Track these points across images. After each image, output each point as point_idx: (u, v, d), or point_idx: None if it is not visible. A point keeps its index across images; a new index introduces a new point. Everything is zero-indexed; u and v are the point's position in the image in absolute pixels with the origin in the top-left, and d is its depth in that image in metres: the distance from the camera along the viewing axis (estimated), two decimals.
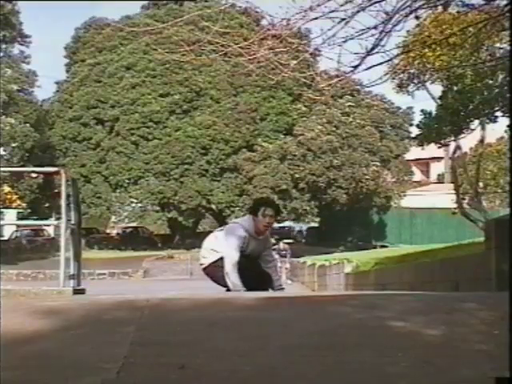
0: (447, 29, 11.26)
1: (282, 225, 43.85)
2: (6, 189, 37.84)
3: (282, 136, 40.13)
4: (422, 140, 17.74)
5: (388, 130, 43.33)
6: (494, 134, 24.37)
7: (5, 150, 38.40)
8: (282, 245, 30.65)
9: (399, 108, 44.07)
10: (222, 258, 6.57)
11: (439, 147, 19.85)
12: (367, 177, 40.16)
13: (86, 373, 2.82)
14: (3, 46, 39.42)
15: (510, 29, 7.57)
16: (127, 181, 41.02)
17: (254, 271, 6.65)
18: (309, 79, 10.93)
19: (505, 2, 7.62)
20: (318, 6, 6.77)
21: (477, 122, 16.71)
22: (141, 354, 3.14)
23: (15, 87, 39.41)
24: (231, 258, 6.52)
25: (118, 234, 46.94)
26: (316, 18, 6.96)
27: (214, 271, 6.64)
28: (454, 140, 17.54)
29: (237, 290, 6.36)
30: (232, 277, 6.48)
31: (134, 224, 45.80)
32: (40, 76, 48.82)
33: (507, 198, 22.04)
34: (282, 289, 7.02)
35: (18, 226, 41.65)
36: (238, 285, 6.44)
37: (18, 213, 41.51)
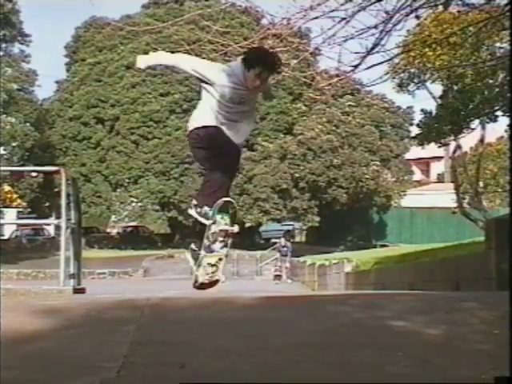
0: (447, 28, 11.25)
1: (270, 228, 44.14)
2: (6, 188, 37.82)
3: (282, 135, 40.11)
4: (422, 139, 17.75)
5: (388, 129, 43.29)
6: (494, 133, 24.36)
7: (5, 150, 38.39)
8: (283, 241, 30.50)
9: (399, 107, 44.03)
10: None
11: (439, 147, 19.84)
12: (367, 176, 40.13)
13: (86, 372, 2.82)
14: (3, 45, 39.40)
15: (510, 28, 7.57)
16: (127, 180, 41.01)
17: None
18: (309, 78, 10.91)
19: (505, 2, 7.61)
20: (319, 5, 6.77)
21: (477, 121, 16.72)
22: (141, 353, 3.14)
23: (15, 86, 39.40)
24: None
25: (118, 233, 46.92)
26: (316, 18, 6.96)
27: None
28: (454, 139, 17.54)
29: None
30: None
31: (134, 223, 45.79)
32: (40, 75, 48.78)
33: (507, 198, 22.04)
34: None
35: (18, 225, 41.66)
36: None
37: (18, 212, 41.51)
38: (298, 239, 49.15)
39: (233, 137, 5.10)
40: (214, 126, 4.98)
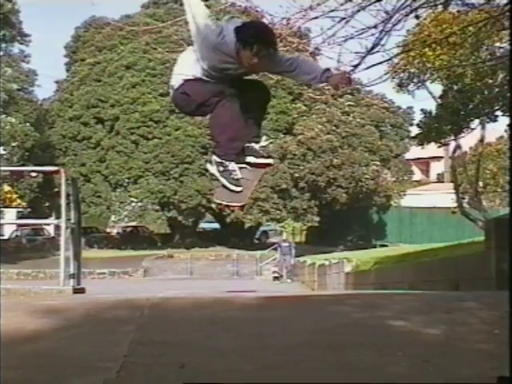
0: (447, 28, 11.25)
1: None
2: (6, 188, 37.80)
3: (282, 135, 40.09)
4: (421, 139, 17.75)
5: (388, 129, 43.27)
6: (493, 133, 24.38)
7: (5, 150, 38.37)
8: (284, 236, 30.35)
9: (399, 107, 44.01)
10: None
11: (439, 146, 19.85)
12: (367, 176, 40.12)
13: (86, 372, 2.82)
14: (3, 45, 39.38)
15: (510, 28, 7.57)
16: (127, 180, 40.99)
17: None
18: None
19: (505, 2, 7.62)
20: (318, 5, 6.77)
21: (477, 121, 16.72)
22: (141, 353, 3.14)
23: (15, 86, 39.38)
24: None
25: (117, 233, 46.89)
26: (316, 17, 6.96)
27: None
28: (454, 139, 17.54)
29: None
30: None
31: (133, 223, 45.77)
32: (40, 75, 48.83)
33: (507, 198, 22.05)
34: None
35: (18, 225, 41.66)
36: None
37: (18, 212, 41.51)
38: (297, 239, 49.14)
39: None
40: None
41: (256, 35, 4.28)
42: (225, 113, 4.27)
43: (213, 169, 4.45)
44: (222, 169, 4.40)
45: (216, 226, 45.44)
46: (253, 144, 4.52)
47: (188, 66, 4.34)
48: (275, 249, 31.21)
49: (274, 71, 4.64)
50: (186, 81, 4.27)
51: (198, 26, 4.38)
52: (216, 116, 4.29)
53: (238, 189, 4.37)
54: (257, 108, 4.55)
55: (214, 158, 4.43)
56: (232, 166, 4.35)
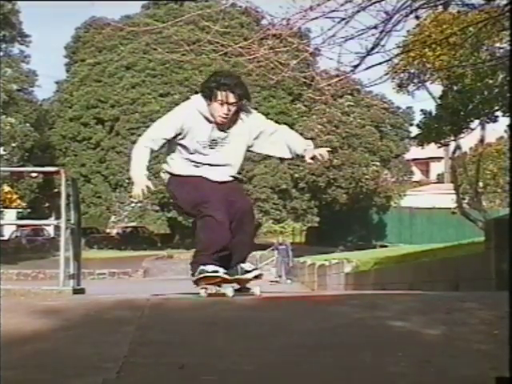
0: (447, 28, 11.25)
1: None
2: (6, 188, 37.84)
3: None
4: (421, 140, 17.77)
5: (388, 129, 43.32)
6: (493, 133, 24.39)
7: (5, 150, 38.39)
8: (280, 240, 30.36)
9: (399, 108, 44.08)
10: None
11: (439, 147, 19.88)
12: (367, 176, 40.16)
13: (86, 372, 2.82)
14: (3, 45, 39.42)
15: (510, 28, 7.58)
16: (127, 180, 40.98)
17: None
18: (309, 79, 10.95)
19: (505, 2, 7.62)
20: (318, 5, 6.79)
21: (477, 121, 16.73)
22: (141, 353, 3.14)
23: (15, 87, 39.41)
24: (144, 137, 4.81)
25: (117, 233, 46.94)
26: (316, 18, 6.98)
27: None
28: (454, 140, 17.56)
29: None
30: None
31: (133, 224, 45.80)
32: (40, 76, 48.85)
33: (507, 198, 22.05)
34: (258, 276, 5.02)
35: (17, 225, 41.66)
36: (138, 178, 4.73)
37: (18, 212, 41.52)
38: (297, 240, 49.16)
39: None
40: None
41: (214, 82, 4.57)
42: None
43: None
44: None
45: None
46: None
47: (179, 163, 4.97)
48: (274, 250, 31.16)
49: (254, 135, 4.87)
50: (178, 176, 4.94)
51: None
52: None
53: None
54: None
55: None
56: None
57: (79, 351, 3.19)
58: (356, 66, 7.61)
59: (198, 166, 4.75)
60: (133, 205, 42.52)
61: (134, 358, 3.02)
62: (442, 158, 45.22)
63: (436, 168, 53.27)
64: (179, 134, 4.66)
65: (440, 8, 10.13)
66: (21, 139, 37.83)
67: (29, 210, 42.48)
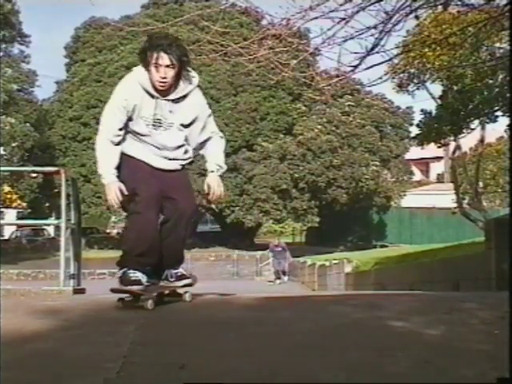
0: (447, 29, 11.25)
1: None
2: (6, 188, 37.83)
3: (282, 136, 40.12)
4: (421, 140, 17.74)
5: (388, 129, 43.32)
6: (493, 133, 24.39)
7: (5, 150, 38.39)
8: (276, 241, 30.22)
9: (399, 108, 44.05)
10: None
11: (439, 147, 19.85)
12: (367, 176, 40.15)
13: (86, 372, 2.82)
14: (3, 45, 39.41)
15: (510, 29, 7.57)
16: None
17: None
18: (309, 79, 10.93)
19: (505, 2, 7.62)
20: (318, 5, 6.78)
21: (477, 121, 16.71)
22: (141, 353, 3.14)
23: (15, 87, 39.41)
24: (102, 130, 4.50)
25: (118, 233, 46.92)
26: (316, 18, 6.97)
27: None
28: (454, 140, 17.55)
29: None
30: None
31: None
32: (40, 76, 48.80)
33: (507, 198, 22.05)
34: (189, 284, 4.60)
35: (18, 225, 41.65)
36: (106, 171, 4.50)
37: (18, 212, 41.52)
38: (297, 239, 49.16)
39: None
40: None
41: (147, 45, 4.23)
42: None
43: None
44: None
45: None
46: None
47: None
48: (269, 252, 30.60)
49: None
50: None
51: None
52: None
53: None
54: None
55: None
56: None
57: (79, 351, 3.19)
58: (356, 66, 7.61)
59: (143, 147, 4.34)
60: None
61: (134, 357, 3.02)
62: (442, 157, 45.22)
63: (436, 168, 53.29)
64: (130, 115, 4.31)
65: (440, 8, 10.12)
66: (21, 139, 37.83)
67: (29, 210, 42.49)
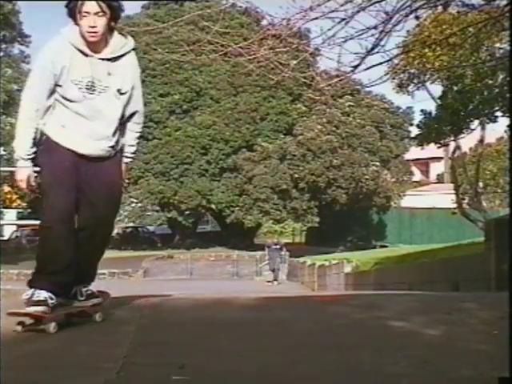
0: (447, 29, 11.26)
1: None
2: (6, 188, 37.81)
3: (282, 136, 40.10)
4: (421, 140, 17.77)
5: (388, 129, 43.28)
6: (493, 134, 24.39)
7: (5, 150, 38.38)
8: (275, 240, 30.11)
9: (399, 108, 44.05)
10: None
11: (439, 147, 19.86)
12: (367, 177, 40.12)
13: (86, 372, 2.82)
14: (3, 45, 39.40)
15: (510, 29, 7.58)
16: (127, 180, 41.01)
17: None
18: (309, 79, 10.93)
19: (505, 2, 7.62)
20: (318, 5, 6.78)
21: (477, 122, 16.73)
22: (141, 353, 3.14)
23: (15, 87, 39.36)
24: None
25: (117, 233, 46.96)
26: (316, 18, 6.97)
27: None
28: (454, 140, 17.56)
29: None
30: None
31: (133, 224, 45.84)
32: None
33: (507, 198, 22.04)
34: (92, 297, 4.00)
35: (18, 225, 41.61)
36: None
37: (18, 212, 41.50)
38: (297, 240, 49.17)
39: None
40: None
41: None
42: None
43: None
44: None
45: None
46: None
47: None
48: (266, 247, 30.43)
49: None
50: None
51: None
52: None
53: None
54: None
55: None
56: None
57: (79, 351, 3.19)
58: (356, 66, 7.61)
59: (72, 125, 3.72)
60: (133, 205, 42.50)
61: (134, 357, 3.02)
62: (442, 158, 45.17)
63: (436, 168, 53.25)
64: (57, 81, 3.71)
65: (440, 8, 10.12)
66: None
67: (29, 210, 42.46)
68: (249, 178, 38.94)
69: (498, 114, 15.83)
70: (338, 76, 8.48)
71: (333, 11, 6.81)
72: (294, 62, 7.98)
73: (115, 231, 47.84)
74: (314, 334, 3.56)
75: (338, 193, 39.62)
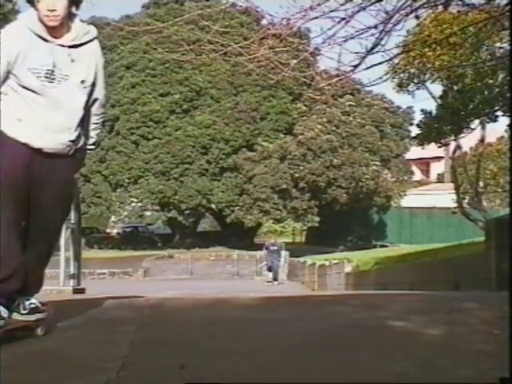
0: (447, 28, 11.26)
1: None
2: None
3: (282, 135, 40.10)
4: (422, 139, 17.74)
5: (388, 129, 43.28)
6: (494, 133, 24.36)
7: None
8: (272, 240, 30.05)
9: (399, 107, 44.04)
10: None
11: (439, 147, 19.83)
12: (367, 176, 40.12)
13: (86, 372, 2.82)
14: None
15: (510, 28, 7.58)
16: (127, 180, 41.00)
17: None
18: (309, 78, 10.94)
19: (505, 2, 7.62)
20: (318, 5, 6.77)
21: (477, 121, 16.71)
22: (141, 353, 3.14)
23: None
24: None
25: (118, 233, 46.95)
26: (316, 18, 6.96)
27: None
28: (454, 139, 17.54)
29: None
30: None
31: (133, 223, 45.85)
32: None
33: (507, 198, 22.02)
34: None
35: None
36: None
37: None
38: (298, 239, 49.18)
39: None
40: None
41: None
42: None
43: None
44: None
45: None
46: None
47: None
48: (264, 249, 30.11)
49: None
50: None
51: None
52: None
53: None
54: None
55: None
56: None
57: (79, 351, 3.19)
58: (356, 66, 7.61)
59: (29, 116, 3.40)
60: (133, 205, 42.51)
61: (134, 357, 3.02)
62: (442, 157, 45.18)
63: (436, 168, 53.25)
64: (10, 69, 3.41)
65: (440, 8, 10.11)
66: None
67: None
68: (249, 178, 38.94)
69: (499, 113, 15.82)
70: (338, 75, 8.48)
71: (333, 11, 6.81)
72: (294, 61, 7.98)
73: (115, 231, 47.90)
74: (314, 334, 3.56)
75: (338, 192, 39.62)
